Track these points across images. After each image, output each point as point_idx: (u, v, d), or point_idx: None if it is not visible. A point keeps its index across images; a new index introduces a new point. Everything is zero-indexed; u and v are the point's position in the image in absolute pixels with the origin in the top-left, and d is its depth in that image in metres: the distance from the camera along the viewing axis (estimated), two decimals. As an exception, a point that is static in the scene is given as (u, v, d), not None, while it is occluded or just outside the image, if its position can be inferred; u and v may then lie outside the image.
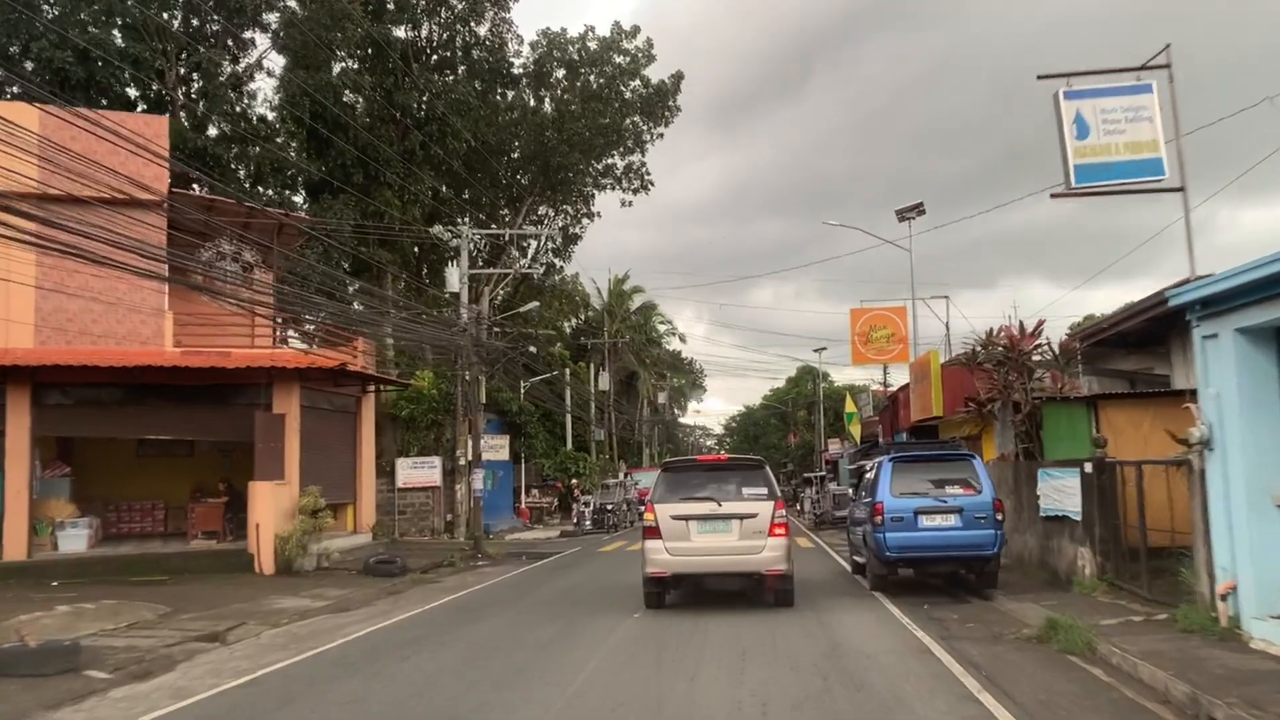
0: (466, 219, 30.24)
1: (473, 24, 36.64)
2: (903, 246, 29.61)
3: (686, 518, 11.87)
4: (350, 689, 8.19)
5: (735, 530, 11.79)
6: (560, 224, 42.41)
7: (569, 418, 46.86)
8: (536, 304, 38.58)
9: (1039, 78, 13.69)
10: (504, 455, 34.76)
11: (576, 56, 38.58)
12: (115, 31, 28.96)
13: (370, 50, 34.43)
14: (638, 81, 38.92)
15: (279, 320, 21.49)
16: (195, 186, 24.84)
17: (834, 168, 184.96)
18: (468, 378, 25.84)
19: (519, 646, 10.03)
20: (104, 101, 26.83)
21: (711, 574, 12.18)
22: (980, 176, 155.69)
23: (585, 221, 43.09)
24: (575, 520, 34.06)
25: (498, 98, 39.12)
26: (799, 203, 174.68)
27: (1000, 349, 15.21)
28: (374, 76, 34.17)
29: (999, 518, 12.36)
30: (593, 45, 38.64)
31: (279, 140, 32.33)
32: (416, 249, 36.42)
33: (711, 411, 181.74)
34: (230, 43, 32.24)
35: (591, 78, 38.61)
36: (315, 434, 19.33)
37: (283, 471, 17.94)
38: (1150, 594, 10.48)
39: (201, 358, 17.49)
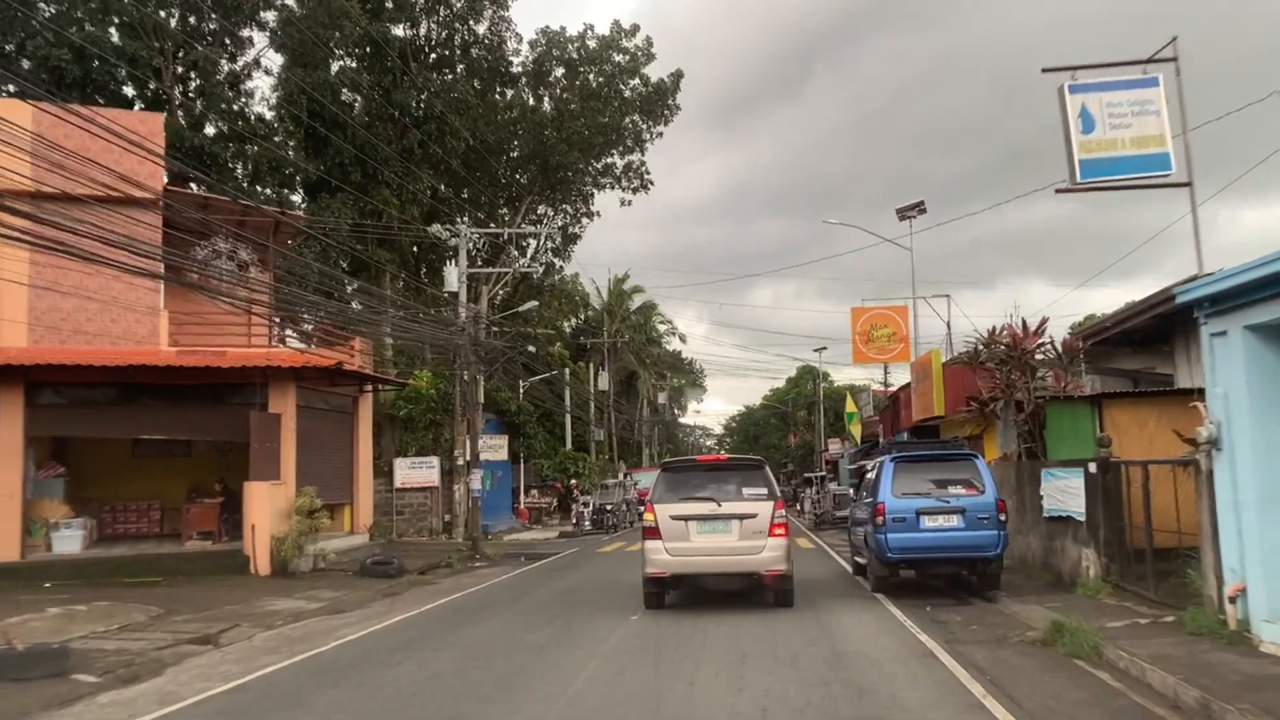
0: (465, 218, 30.08)
1: (471, 22, 36.50)
2: (903, 245, 29.48)
3: (686, 518, 11.82)
4: (339, 695, 8.02)
5: (735, 530, 11.74)
6: (559, 223, 42.26)
7: (568, 418, 46.70)
8: (535, 303, 38.46)
9: (1044, 70, 13.49)
10: (502, 455, 34.59)
11: (576, 55, 38.42)
12: (112, 30, 28.81)
13: (369, 49, 34.29)
14: (637, 80, 38.77)
15: (276, 320, 21.34)
16: (194, 186, 24.73)
17: (834, 168, 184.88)
18: (466, 377, 25.68)
19: (515, 649, 9.87)
20: (100, 100, 26.69)
21: (711, 574, 12.16)
22: (980, 176, 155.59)
23: (585, 221, 43.02)
24: (574, 521, 33.89)
25: (496, 96, 38.97)
26: (799, 203, 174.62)
27: (1003, 348, 15.04)
28: (372, 75, 34.03)
29: (1002, 518, 12.19)
30: (592, 44, 38.48)
31: (277, 139, 32.19)
32: (415, 248, 36.27)
33: (712, 411, 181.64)
34: (228, 41, 32.09)
35: (591, 76, 38.46)
36: (311, 434, 19.17)
37: (278, 472, 17.78)
38: (1156, 596, 10.32)
39: (196, 357, 17.33)
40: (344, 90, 33.41)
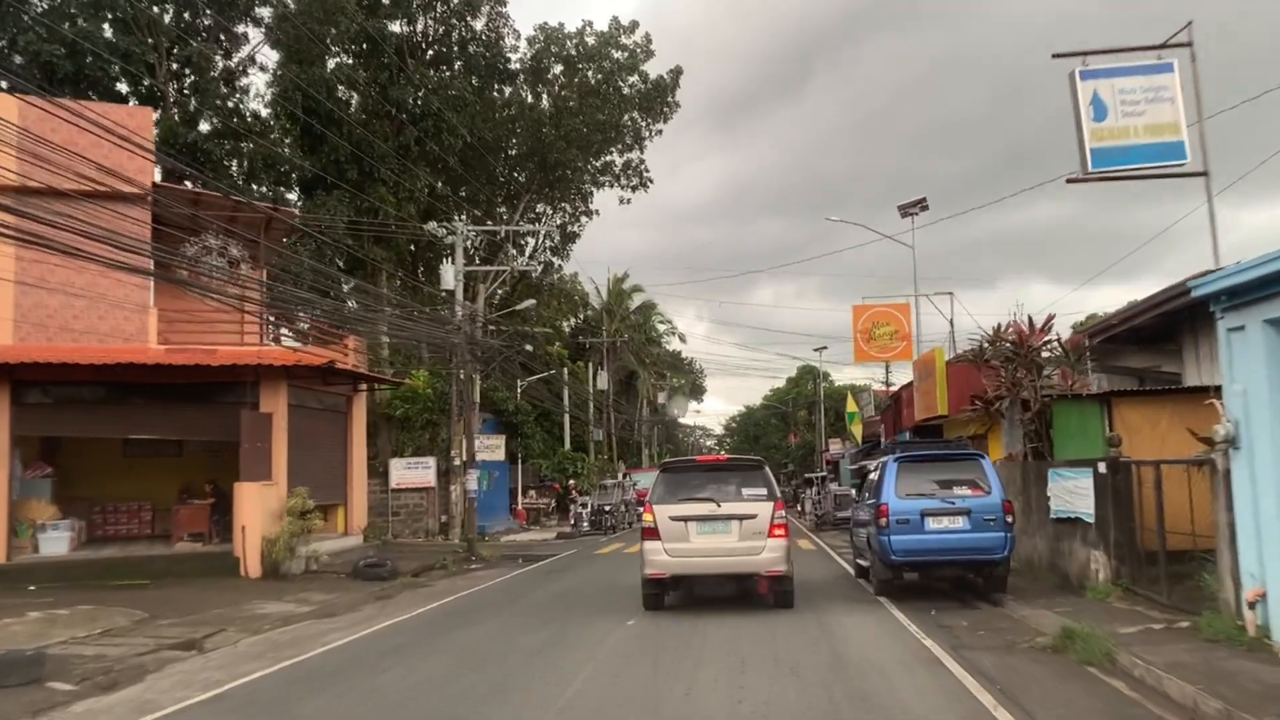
0: (463, 216, 29.78)
1: (469, 19, 36.16)
2: (905, 243, 29.18)
3: (685, 519, 11.71)
4: (324, 703, 7.73)
5: (735, 531, 11.63)
6: (558, 222, 41.97)
7: (566, 418, 46.39)
8: (533, 301, 38.12)
9: (1054, 56, 13.11)
10: (499, 455, 34.26)
11: (574, 52, 38.14)
12: (105, 25, 28.50)
13: (365, 45, 34.01)
14: (636, 77, 38.52)
15: (270, 318, 21.03)
16: (189, 183, 24.41)
17: (834, 167, 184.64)
18: (462, 376, 25.37)
19: (508, 653, 9.58)
20: (93, 96, 26.38)
21: (711, 575, 12.04)
22: (980, 176, 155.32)
23: (583, 219, 42.71)
24: (572, 522, 33.57)
25: (494, 94, 38.67)
26: (799, 203, 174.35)
27: (1008, 345, 14.72)
28: (368, 72, 33.74)
29: (1009, 520, 11.88)
30: (590, 41, 38.22)
31: (273, 136, 31.90)
32: (413, 247, 35.98)
33: (712, 411, 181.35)
34: (222, 37, 31.78)
35: (589, 73, 38.18)
36: (304, 433, 18.86)
37: (270, 472, 17.46)
38: (1169, 600, 10.00)
39: (186, 355, 17.01)
40: (340, 87, 33.10)
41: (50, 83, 24.83)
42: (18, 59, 26.29)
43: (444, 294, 27.86)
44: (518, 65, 38.61)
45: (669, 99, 39.31)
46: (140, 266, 14.43)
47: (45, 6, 27.82)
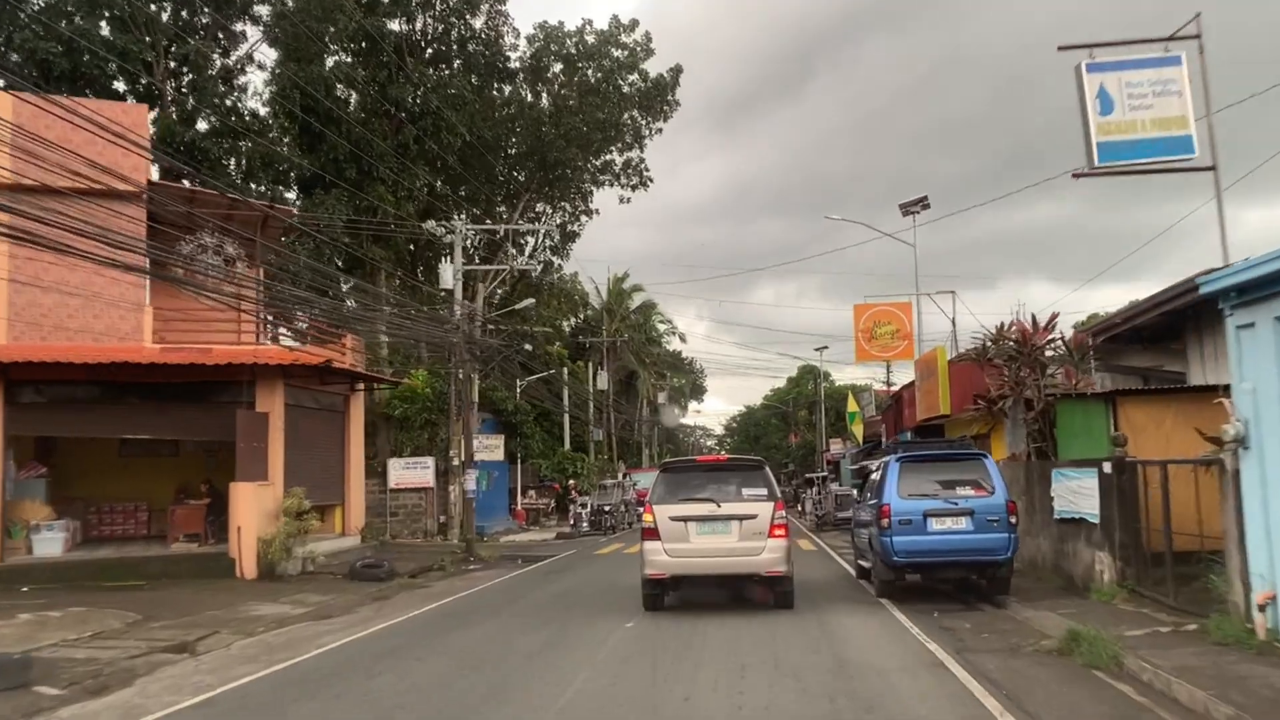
0: (463, 215, 29.62)
1: (468, 17, 35.99)
2: (906, 241, 29.02)
3: (685, 519, 11.66)
4: (316, 707, 7.58)
5: (735, 531, 11.57)
6: (558, 221, 41.79)
7: (566, 417, 46.24)
8: (532, 301, 37.95)
9: (1060, 48, 12.94)
10: (499, 455, 34.10)
11: (574, 50, 37.98)
12: (102, 23, 28.35)
13: (364, 43, 33.84)
14: (636, 75, 38.34)
15: (267, 317, 20.89)
16: (186, 182, 24.26)
17: (834, 168, 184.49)
18: (460, 376, 25.21)
19: (505, 657, 9.43)
20: (89, 94, 26.21)
21: (711, 575, 11.99)
22: (980, 177, 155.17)
23: (583, 219, 42.51)
24: (572, 522, 33.41)
25: (494, 93, 38.50)
26: (800, 203, 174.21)
27: (1012, 344, 14.56)
28: (367, 70, 33.58)
29: (1012, 520, 11.73)
30: (590, 39, 38.05)
31: (271, 135, 31.74)
32: (412, 246, 35.83)
33: (712, 411, 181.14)
34: (220, 35, 31.62)
35: (589, 72, 38.00)
36: (301, 433, 18.71)
37: (266, 472, 17.32)
38: (1176, 603, 9.84)
39: (181, 354, 16.85)
40: (339, 85, 32.93)
41: (47, 81, 24.70)
42: (14, 57, 26.14)
43: (443, 293, 27.72)
44: (517, 64, 38.47)
45: (669, 97, 39.14)
46: (134, 264, 14.26)
47: (42, 4, 27.67)
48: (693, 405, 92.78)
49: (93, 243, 12.64)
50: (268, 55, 33.30)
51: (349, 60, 33.83)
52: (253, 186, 29.86)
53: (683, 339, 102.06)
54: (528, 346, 36.73)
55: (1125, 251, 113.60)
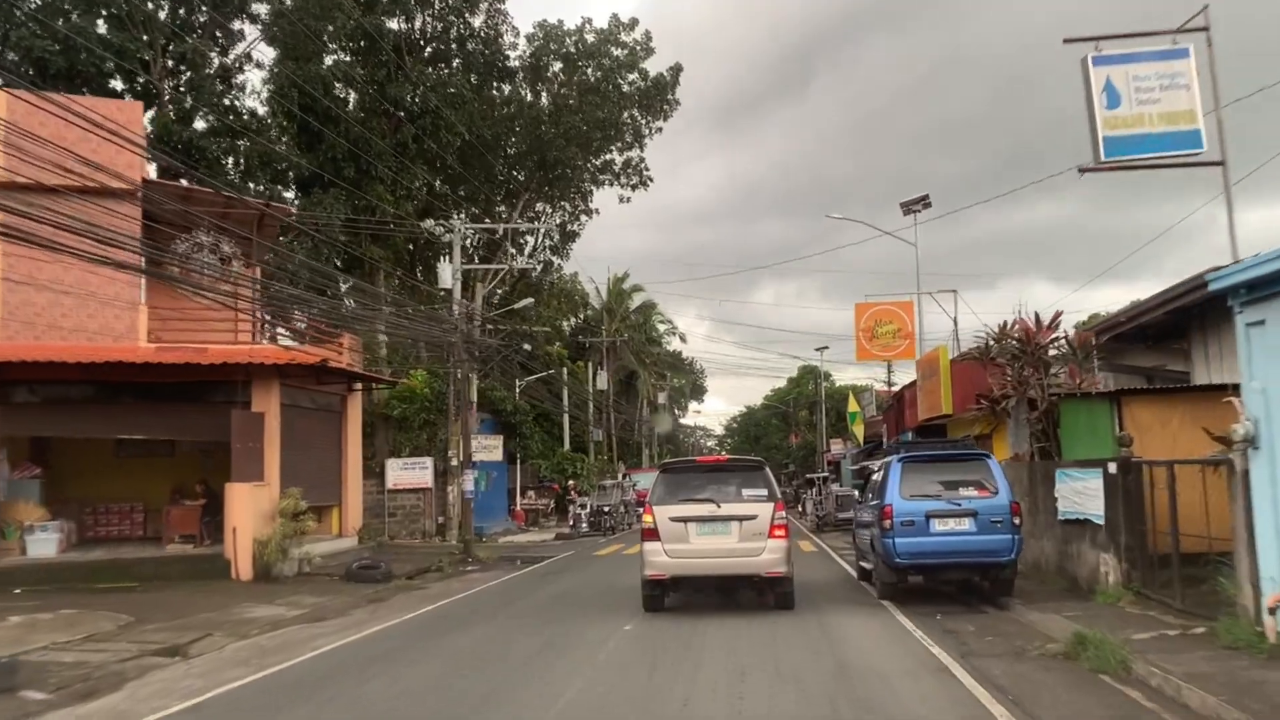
0: (463, 214, 29.46)
1: (467, 15, 35.82)
2: (907, 240, 28.84)
3: (685, 519, 11.61)
4: (306, 712, 7.44)
5: (735, 532, 11.53)
6: (558, 221, 41.62)
7: (566, 418, 46.07)
8: (531, 300, 37.78)
9: (1065, 41, 12.75)
10: (497, 456, 33.92)
11: (573, 49, 37.84)
12: (100, 21, 28.17)
13: (362, 42, 33.67)
14: (636, 74, 38.21)
15: (266, 317, 20.74)
16: (184, 180, 24.10)
17: (836, 169, 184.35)
18: (459, 375, 25.05)
19: (499, 661, 9.28)
20: (85, 92, 26.03)
21: (710, 576, 11.95)
22: (980, 177, 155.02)
23: (583, 219, 42.35)
24: (571, 523, 33.22)
25: (493, 91, 38.34)
26: (802, 203, 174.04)
27: (1015, 342, 14.39)
28: (366, 69, 33.40)
29: (1016, 521, 11.56)
30: (590, 38, 37.92)
31: (271, 134, 31.58)
32: (411, 246, 35.67)
33: (712, 412, 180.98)
34: (218, 33, 31.45)
35: (589, 71, 37.86)
36: (297, 433, 18.55)
37: (261, 472, 17.16)
38: (1183, 605, 9.67)
39: (176, 354, 16.69)
40: (337, 84, 32.75)
41: (43, 79, 24.52)
42: (10, 55, 25.97)
43: (441, 293, 27.57)
44: (517, 63, 38.31)
45: (669, 96, 39.00)
46: (126, 262, 14.10)
47: (39, 1, 27.49)
48: (693, 405, 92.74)
49: (86, 240, 12.48)
50: (266, 54, 33.12)
51: (347, 59, 33.67)
52: (251, 186, 29.69)
53: (683, 339, 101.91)
54: (527, 346, 36.55)
55: (1125, 252, 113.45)
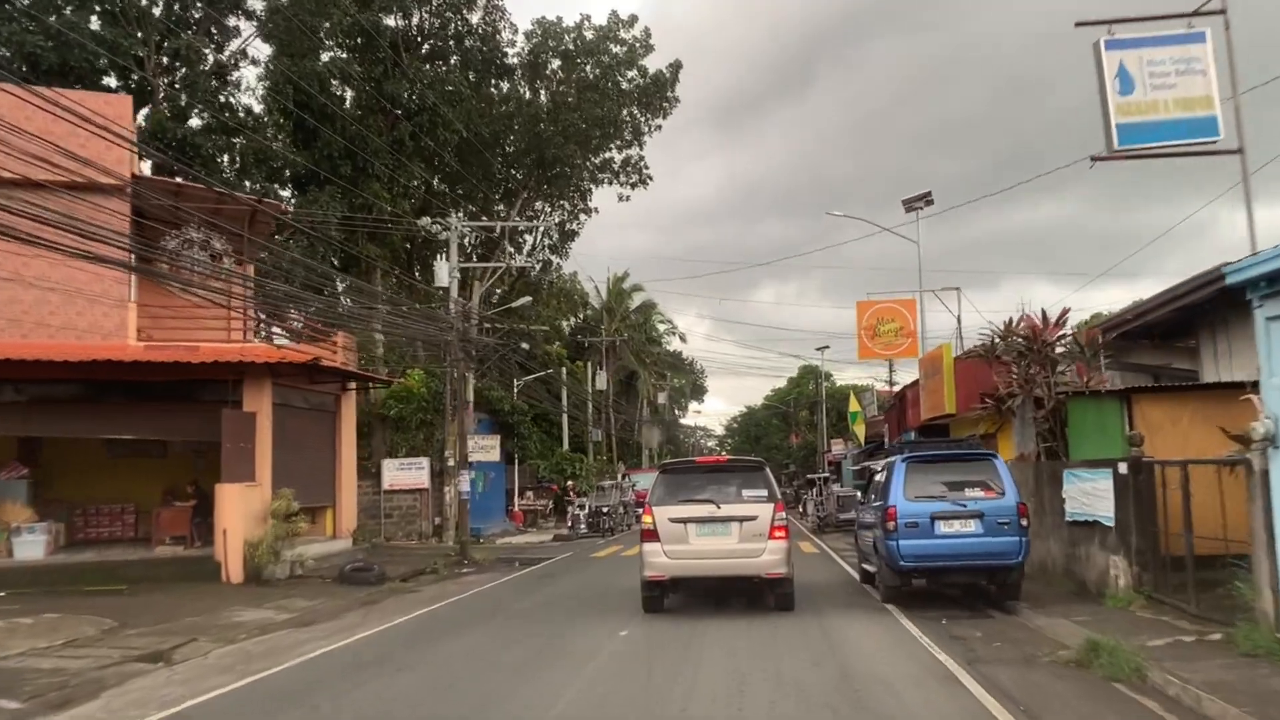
0: (461, 213, 29.14)
1: (465, 12, 35.50)
2: (909, 238, 28.54)
3: (685, 520, 11.49)
4: (286, 725, 7.12)
5: (735, 533, 11.41)
6: (557, 219, 41.27)
7: (565, 418, 45.74)
8: (529, 299, 37.46)
9: (1077, 25, 12.40)
10: (495, 456, 33.57)
11: (572, 46, 37.49)
12: (93, 17, 27.88)
13: (359, 39, 33.36)
14: (635, 72, 37.86)
15: (260, 315, 20.44)
16: (180, 178, 23.78)
17: (837, 169, 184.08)
18: (455, 375, 24.74)
19: (490, 668, 8.97)
20: (79, 89, 25.71)
21: (710, 577, 11.83)
22: (981, 176, 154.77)
23: (583, 217, 41.98)
24: (570, 524, 32.88)
25: (491, 89, 38.01)
26: (803, 203, 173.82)
27: (1021, 340, 14.07)
28: (363, 66, 33.08)
29: (1024, 523, 11.24)
30: (589, 35, 37.56)
31: (267, 131, 31.27)
32: (408, 245, 35.34)
33: (713, 412, 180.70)
34: (213, 30, 31.15)
35: (588, 68, 37.52)
36: (290, 433, 18.25)
37: (253, 473, 16.85)
38: (1198, 610, 9.37)
39: (166, 352, 16.40)
40: (333, 81, 32.44)
41: (35, 76, 24.21)
42: (1, 51, 25.67)
43: (439, 291, 27.24)
44: (515, 60, 37.94)
45: (668, 94, 38.64)
46: (111, 258, 13.79)
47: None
48: (693, 405, 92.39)
49: (71, 236, 12.18)
50: (261, 50, 32.82)
51: (344, 56, 33.34)
52: (246, 184, 29.39)
53: (683, 339, 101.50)
54: (525, 346, 36.21)
55: (1126, 253, 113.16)
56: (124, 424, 17.40)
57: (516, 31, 37.56)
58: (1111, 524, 11.11)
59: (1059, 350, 14.04)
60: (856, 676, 7.96)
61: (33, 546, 16.61)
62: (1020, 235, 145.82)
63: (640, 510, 17.84)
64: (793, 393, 76.05)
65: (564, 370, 46.54)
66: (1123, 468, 10.81)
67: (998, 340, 14.75)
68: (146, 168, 25.26)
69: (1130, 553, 10.80)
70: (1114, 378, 16.38)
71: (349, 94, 33.90)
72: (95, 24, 27.70)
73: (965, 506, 11.31)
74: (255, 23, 31.70)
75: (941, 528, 11.28)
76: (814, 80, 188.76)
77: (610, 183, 40.80)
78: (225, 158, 30.55)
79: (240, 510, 16.28)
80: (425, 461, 28.63)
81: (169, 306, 18.12)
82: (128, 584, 15.46)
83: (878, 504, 12.53)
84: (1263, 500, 7.95)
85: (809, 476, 44.79)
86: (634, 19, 37.84)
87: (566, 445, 45.79)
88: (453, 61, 36.65)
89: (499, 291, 38.88)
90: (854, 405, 44.72)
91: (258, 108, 32.67)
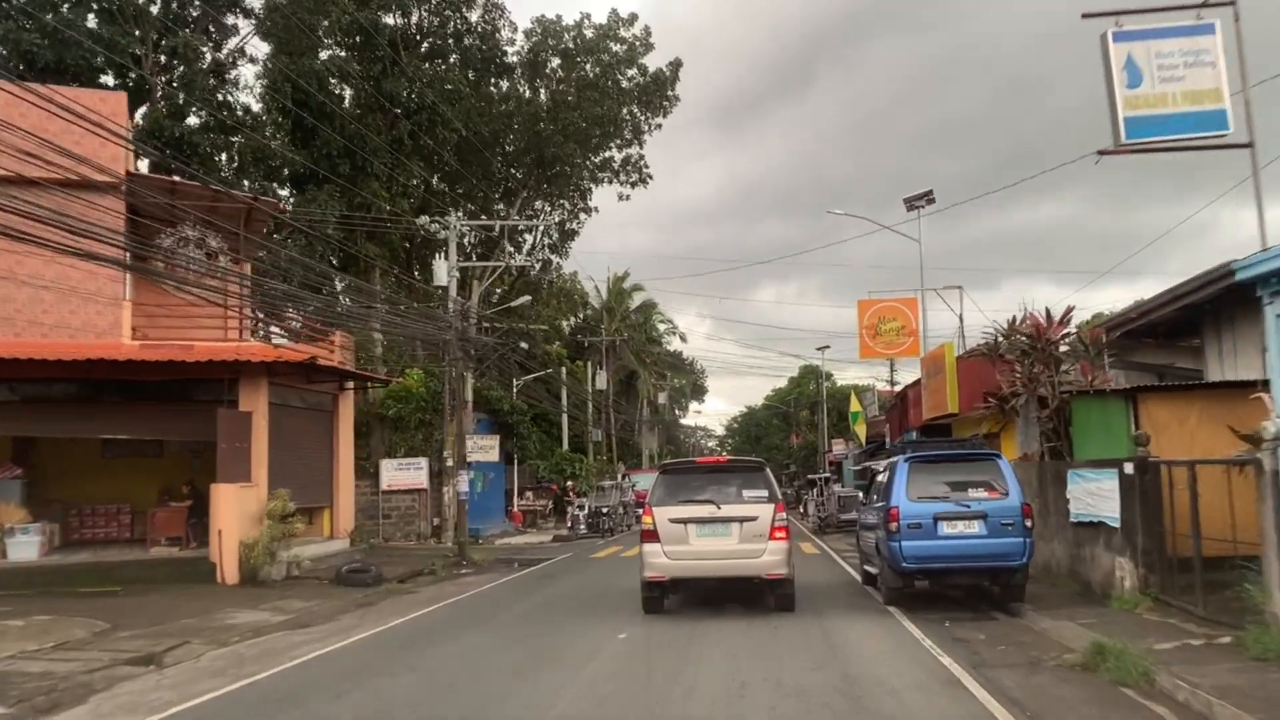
0: (460, 212, 28.99)
1: (464, 10, 35.35)
2: (911, 236, 28.38)
3: (685, 521, 11.42)
4: (276, 730, 6.97)
5: (735, 533, 11.34)
6: (557, 219, 41.11)
7: (564, 418, 45.58)
8: (528, 298, 37.30)
9: (1084, 16, 12.21)
10: (494, 456, 33.42)
11: (572, 45, 37.35)
12: (90, 15, 27.73)
13: (358, 37, 33.21)
14: (635, 70, 37.72)
15: (258, 314, 20.28)
16: (178, 178, 23.64)
17: (837, 169, 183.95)
18: (454, 374, 24.59)
19: (487, 671, 8.82)
20: (75, 86, 25.57)
21: (710, 578, 11.78)
22: (981, 176, 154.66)
23: (583, 216, 41.82)
24: (569, 524, 32.72)
25: (491, 88, 37.87)
26: (803, 203, 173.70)
27: (1024, 339, 13.91)
28: (361, 64, 32.92)
29: (1028, 524, 11.09)
30: (589, 33, 37.42)
31: (265, 130, 31.12)
32: (407, 244, 35.17)
33: (713, 412, 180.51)
34: (211, 28, 31.01)
35: (587, 67, 37.38)
36: (286, 433, 18.10)
37: (249, 473, 16.70)
38: (1206, 612, 9.21)
39: (160, 351, 16.25)
40: (332, 80, 32.28)
41: (31, 74, 24.06)
42: (-1, 48, 25.53)
43: (438, 290, 27.09)
44: (514, 59, 37.79)
45: (668, 92, 38.49)
46: (105, 255, 13.64)
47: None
48: (693, 405, 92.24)
49: (65, 234, 12.03)
50: (260, 49, 32.69)
51: (343, 54, 33.18)
52: (245, 182, 29.24)
53: (683, 339, 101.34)
54: (524, 345, 36.05)
55: (1127, 253, 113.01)
56: (119, 424, 17.26)
57: (516, 30, 37.45)
58: (1117, 525, 10.97)
59: (1063, 349, 13.88)
60: (858, 680, 7.81)
61: (27, 547, 16.45)
62: (1021, 235, 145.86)
63: (640, 511, 17.73)
64: (793, 393, 75.88)
65: (564, 370, 46.39)
66: (1128, 468, 10.66)
67: (1001, 339, 14.60)
68: (144, 166, 25.17)
69: (1136, 554, 10.65)
70: (1118, 377, 16.22)
71: (348, 92, 33.74)
72: (92, 22, 27.55)
73: (968, 507, 11.16)
74: (253, 21, 31.56)
75: (944, 529, 11.12)
76: (814, 80, 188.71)
77: (610, 182, 40.66)
78: (223, 156, 30.41)
79: (236, 511, 16.14)
80: (424, 462, 28.48)
81: (164, 305, 17.96)
82: (122, 585, 15.32)
83: (880, 505, 12.38)
84: (1273, 500, 7.80)
85: (810, 477, 44.64)
86: (634, 17, 37.74)
87: (566, 445, 45.63)
88: (452, 60, 36.51)
89: (498, 291, 38.71)
90: (855, 405, 44.56)
91: (256, 106, 32.55)
